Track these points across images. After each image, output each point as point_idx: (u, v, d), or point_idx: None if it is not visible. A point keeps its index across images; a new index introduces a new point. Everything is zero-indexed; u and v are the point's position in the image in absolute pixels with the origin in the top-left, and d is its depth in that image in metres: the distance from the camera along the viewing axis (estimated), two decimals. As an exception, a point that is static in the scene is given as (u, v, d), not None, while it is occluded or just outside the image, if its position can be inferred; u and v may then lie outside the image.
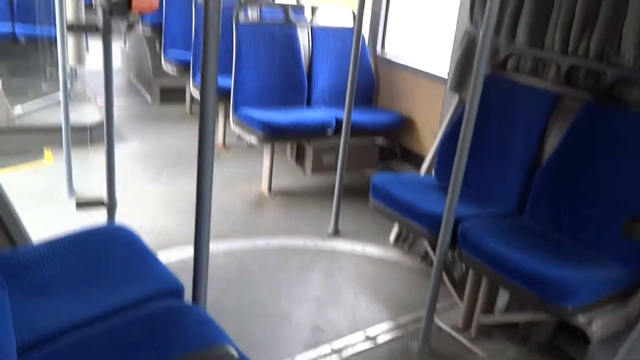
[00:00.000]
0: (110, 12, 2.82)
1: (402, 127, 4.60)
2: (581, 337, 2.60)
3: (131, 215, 3.72)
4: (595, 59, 2.82)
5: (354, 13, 4.96)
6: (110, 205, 3.21)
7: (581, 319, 2.33)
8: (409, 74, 4.62)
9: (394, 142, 4.74)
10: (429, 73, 4.43)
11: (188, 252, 3.30)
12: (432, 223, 2.74)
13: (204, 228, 1.89)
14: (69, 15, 3.55)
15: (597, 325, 2.31)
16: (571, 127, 2.80)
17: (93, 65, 3.86)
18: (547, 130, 2.95)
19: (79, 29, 2.85)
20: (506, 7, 3.23)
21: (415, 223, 2.86)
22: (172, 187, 4.46)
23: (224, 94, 4.95)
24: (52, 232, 2.18)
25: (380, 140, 4.79)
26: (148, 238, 2.30)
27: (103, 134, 4.84)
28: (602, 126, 2.69)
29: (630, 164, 2.54)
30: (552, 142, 2.91)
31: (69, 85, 4.07)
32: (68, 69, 4.00)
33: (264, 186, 4.53)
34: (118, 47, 7.83)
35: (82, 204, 3.18)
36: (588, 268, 2.43)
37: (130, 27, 7.24)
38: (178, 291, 1.91)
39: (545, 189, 2.83)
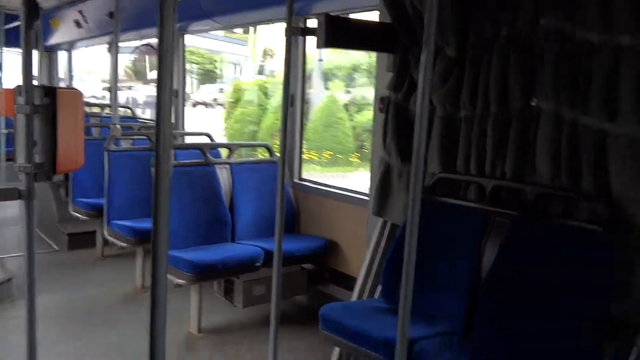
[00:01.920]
0: (34, 176, 2.71)
1: (327, 250, 4.70)
2: None
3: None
4: (513, 180, 3.05)
5: (268, 147, 5.20)
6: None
7: None
8: (329, 199, 4.81)
9: (321, 266, 4.82)
10: (348, 196, 4.63)
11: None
12: (387, 349, 2.76)
13: None
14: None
15: None
16: (502, 244, 2.96)
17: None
18: (481, 248, 3.11)
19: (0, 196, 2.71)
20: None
21: (371, 351, 2.87)
22: (95, 342, 4.16)
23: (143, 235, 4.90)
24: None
25: (307, 266, 4.85)
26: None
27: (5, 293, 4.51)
28: (531, 240, 2.90)
29: (563, 273, 2.71)
30: (489, 260, 3.04)
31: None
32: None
33: (193, 326, 4.35)
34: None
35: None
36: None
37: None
38: None
39: (488, 307, 2.91)
